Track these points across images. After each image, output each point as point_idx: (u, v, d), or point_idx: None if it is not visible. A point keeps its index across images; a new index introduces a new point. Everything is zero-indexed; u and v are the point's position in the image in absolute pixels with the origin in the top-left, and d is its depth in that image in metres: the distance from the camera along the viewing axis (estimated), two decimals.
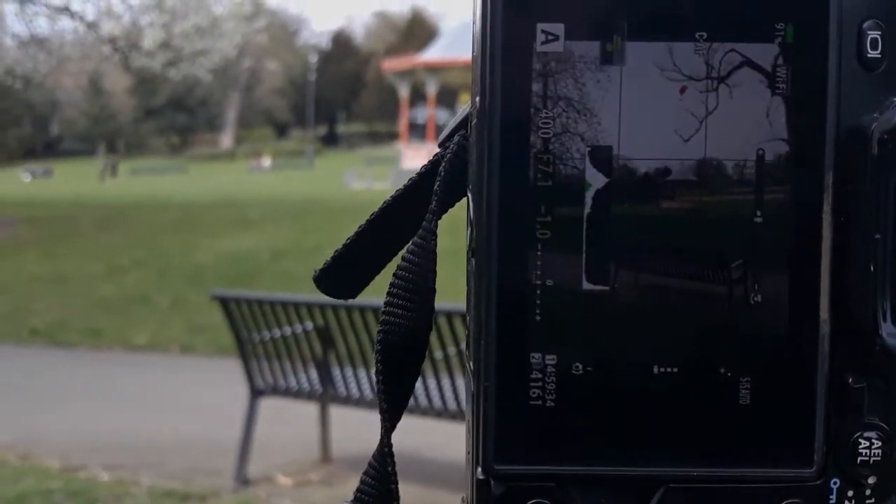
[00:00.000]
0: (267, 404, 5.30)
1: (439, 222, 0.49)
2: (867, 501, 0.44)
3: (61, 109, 54.20)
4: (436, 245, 0.49)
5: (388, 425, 0.49)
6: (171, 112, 54.07)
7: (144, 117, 55.36)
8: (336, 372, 5.11)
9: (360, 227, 0.53)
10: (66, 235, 15.86)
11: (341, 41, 63.29)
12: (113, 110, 54.73)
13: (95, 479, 5.13)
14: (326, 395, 5.12)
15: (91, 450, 5.72)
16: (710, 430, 0.43)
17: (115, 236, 15.52)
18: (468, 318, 0.47)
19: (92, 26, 17.29)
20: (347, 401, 5.02)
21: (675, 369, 0.43)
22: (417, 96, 38.54)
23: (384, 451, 0.49)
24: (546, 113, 0.42)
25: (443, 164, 0.49)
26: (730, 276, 0.42)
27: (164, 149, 56.63)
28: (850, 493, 0.44)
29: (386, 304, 0.49)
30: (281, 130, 62.57)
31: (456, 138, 0.50)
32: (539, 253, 0.42)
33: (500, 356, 0.43)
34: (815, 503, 0.44)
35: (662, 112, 0.42)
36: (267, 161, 45.50)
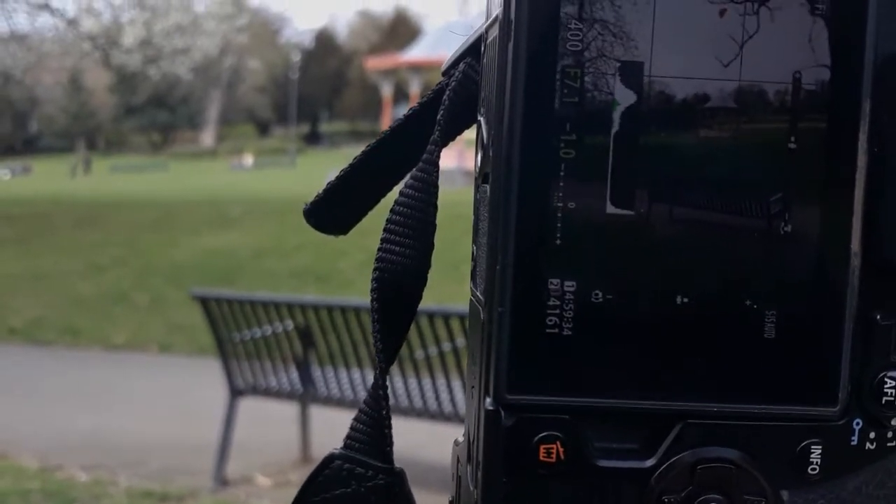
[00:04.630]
0: (246, 404, 5.27)
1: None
2: (889, 444, 0.43)
3: (41, 106, 53.92)
4: (437, 178, 0.46)
5: (383, 366, 0.47)
6: (151, 109, 53.85)
7: (125, 115, 55.13)
8: (316, 372, 5.09)
9: (356, 158, 0.50)
10: (45, 233, 15.76)
11: (324, 39, 63.24)
12: (93, 107, 54.52)
13: (73, 479, 5.09)
14: (307, 395, 5.10)
15: (69, 450, 5.68)
16: (732, 365, 0.41)
17: (93, 234, 15.44)
18: (474, 248, 0.45)
19: (72, 23, 17.23)
20: (328, 401, 5.00)
21: (699, 300, 0.41)
22: (400, 95, 38.53)
23: (378, 394, 0.47)
24: (575, 25, 0.40)
25: (447, 93, 0.47)
26: (760, 205, 0.41)
27: (146, 146, 56.42)
28: (872, 435, 0.42)
29: (382, 240, 0.46)
30: (263, 129, 62.45)
31: (461, 66, 0.47)
32: (562, 174, 0.40)
33: (517, 281, 0.40)
34: (837, 444, 0.42)
35: (700, 35, 0.40)
36: (249, 159, 45.40)
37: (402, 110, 0.51)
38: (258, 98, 59.63)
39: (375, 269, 0.46)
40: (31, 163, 45.86)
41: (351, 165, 0.50)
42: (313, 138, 60.18)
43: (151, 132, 57.16)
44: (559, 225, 0.40)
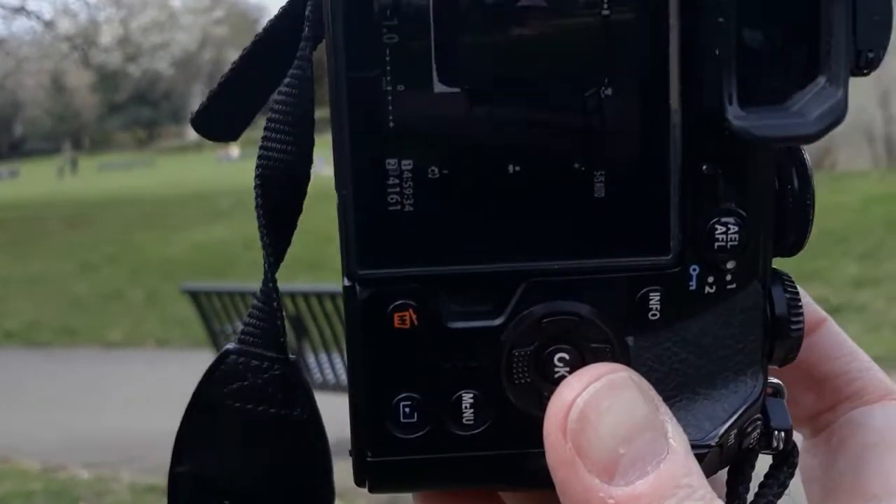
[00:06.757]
0: None
1: None
2: (729, 287, 0.45)
3: (24, 109, 53.65)
4: (313, 73, 0.47)
5: (272, 260, 0.48)
6: (134, 107, 53.59)
7: (108, 113, 54.93)
8: (310, 359, 5.14)
9: (234, 63, 0.50)
10: (36, 236, 15.74)
11: None
12: (76, 108, 54.27)
13: (76, 477, 5.15)
14: None
15: (70, 449, 5.72)
16: (567, 224, 0.43)
17: (85, 234, 15.43)
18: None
19: (49, 25, 17.17)
20: (324, 387, 5.03)
21: (529, 167, 0.43)
22: None
23: (269, 287, 0.48)
24: None
25: None
26: (580, 70, 0.42)
27: (131, 143, 56.17)
28: (711, 279, 0.44)
29: (263, 139, 0.47)
30: None
31: None
32: (388, 58, 0.42)
33: (356, 165, 0.43)
34: (675, 290, 0.44)
35: None
36: (235, 151, 45.18)
37: None
38: None
39: (258, 167, 0.47)
40: (17, 166, 45.68)
41: (230, 70, 0.50)
42: None
43: (136, 129, 56.92)
44: (391, 108, 0.42)
